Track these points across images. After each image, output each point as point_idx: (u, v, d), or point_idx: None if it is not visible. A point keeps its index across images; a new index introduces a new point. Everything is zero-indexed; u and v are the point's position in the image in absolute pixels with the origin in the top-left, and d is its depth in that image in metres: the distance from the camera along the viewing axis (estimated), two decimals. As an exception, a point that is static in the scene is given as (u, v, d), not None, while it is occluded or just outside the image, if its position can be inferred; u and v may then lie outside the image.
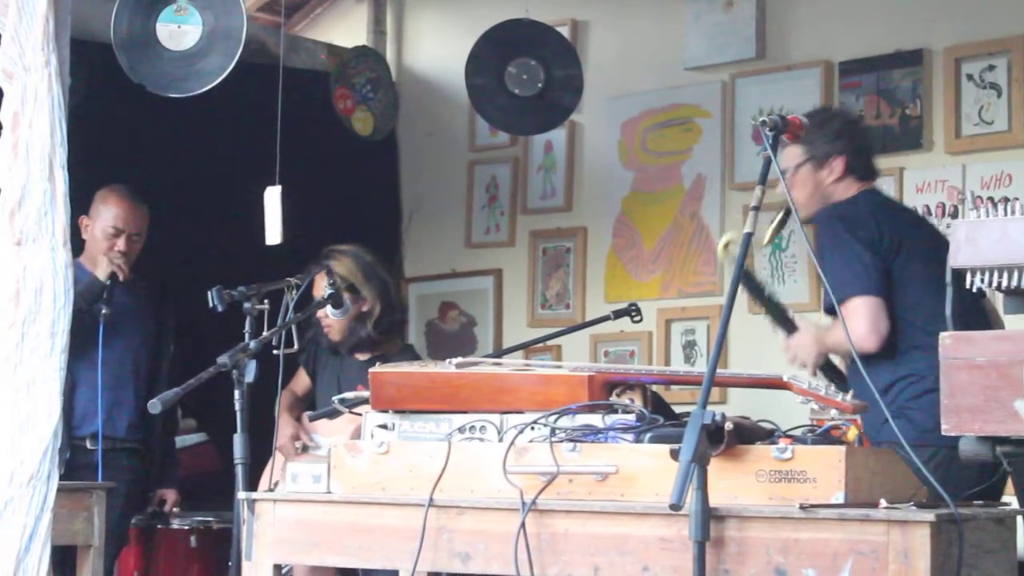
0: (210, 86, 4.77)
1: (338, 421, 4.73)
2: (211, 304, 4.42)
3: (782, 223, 4.39)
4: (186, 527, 5.62)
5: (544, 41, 6.31)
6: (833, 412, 3.27)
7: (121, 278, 5.30)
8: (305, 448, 5.28)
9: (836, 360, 4.33)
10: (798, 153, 4.27)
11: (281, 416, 5.07)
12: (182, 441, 6.22)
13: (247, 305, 4.45)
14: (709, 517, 2.98)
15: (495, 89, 6.23)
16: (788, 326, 4.32)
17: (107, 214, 5.39)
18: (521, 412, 3.52)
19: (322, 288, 4.96)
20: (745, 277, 4.27)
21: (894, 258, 4.05)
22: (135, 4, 5.04)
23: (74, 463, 5.13)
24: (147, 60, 5.12)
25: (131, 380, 5.41)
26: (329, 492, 3.59)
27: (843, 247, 4.04)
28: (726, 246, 4.43)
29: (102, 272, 5.29)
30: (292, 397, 5.41)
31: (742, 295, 5.90)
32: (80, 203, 5.36)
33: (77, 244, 4.84)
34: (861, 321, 3.96)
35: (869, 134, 4.38)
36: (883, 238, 4.06)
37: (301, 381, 5.43)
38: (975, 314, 3.98)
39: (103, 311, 5.23)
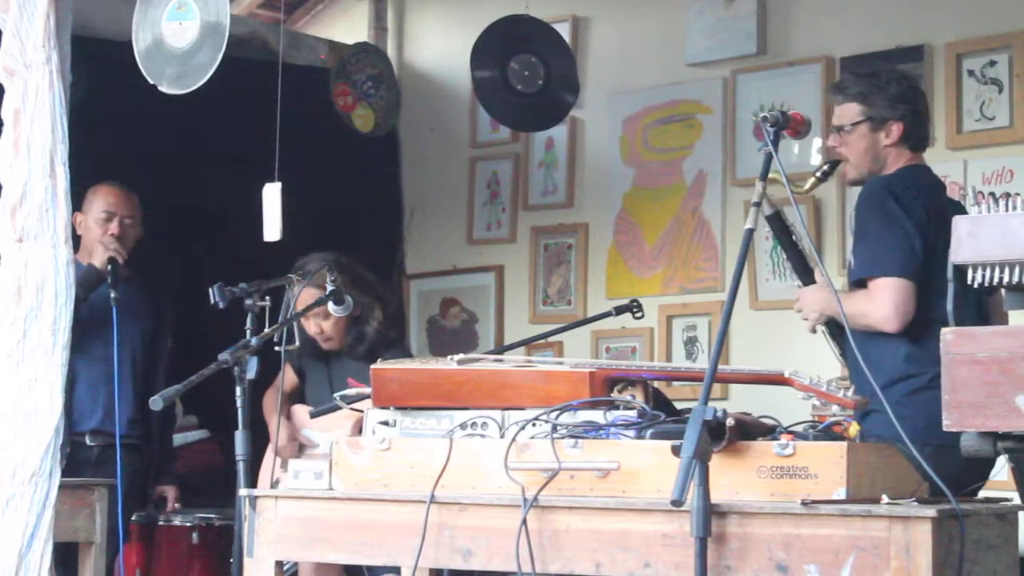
0: (202, 81, 4.76)
1: (336, 417, 4.72)
2: (212, 301, 4.42)
3: (825, 175, 4.31)
4: (188, 524, 5.62)
5: (542, 38, 6.31)
6: (835, 408, 3.27)
7: (120, 261, 5.29)
8: (302, 448, 5.28)
9: None
10: (856, 111, 4.19)
11: (275, 417, 5.07)
12: (184, 438, 6.22)
13: (248, 302, 4.44)
14: (711, 513, 2.98)
15: (498, 84, 6.22)
16: (805, 277, 4.27)
17: (97, 203, 5.40)
18: (522, 408, 3.52)
19: (304, 302, 4.94)
20: (774, 218, 4.21)
21: (936, 243, 3.99)
22: (150, 7, 5.04)
23: (75, 459, 5.13)
24: (160, 60, 5.12)
25: (129, 376, 5.41)
26: (331, 489, 3.59)
27: (891, 222, 3.95)
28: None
29: (98, 259, 5.29)
30: (281, 397, 5.38)
31: (743, 292, 5.93)
32: (82, 200, 5.38)
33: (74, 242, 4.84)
34: (887, 301, 3.90)
35: (925, 100, 4.28)
36: (931, 221, 4.00)
37: (287, 378, 5.42)
38: (979, 311, 3.97)
39: (112, 295, 5.23)
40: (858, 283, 4.02)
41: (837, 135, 4.22)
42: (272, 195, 4.86)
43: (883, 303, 3.90)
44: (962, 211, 4.12)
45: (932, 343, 3.92)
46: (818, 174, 4.30)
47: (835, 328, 4.23)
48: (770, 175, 4.09)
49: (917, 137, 4.20)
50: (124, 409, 5.35)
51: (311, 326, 5.20)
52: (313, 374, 5.38)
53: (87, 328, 5.10)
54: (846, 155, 4.23)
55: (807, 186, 4.35)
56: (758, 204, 3.35)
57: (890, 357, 3.91)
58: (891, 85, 4.18)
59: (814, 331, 4.25)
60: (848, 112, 4.21)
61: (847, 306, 3.93)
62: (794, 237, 4.27)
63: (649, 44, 6.57)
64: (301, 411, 5.27)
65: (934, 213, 4.02)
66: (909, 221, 3.95)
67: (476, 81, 6.25)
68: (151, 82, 4.81)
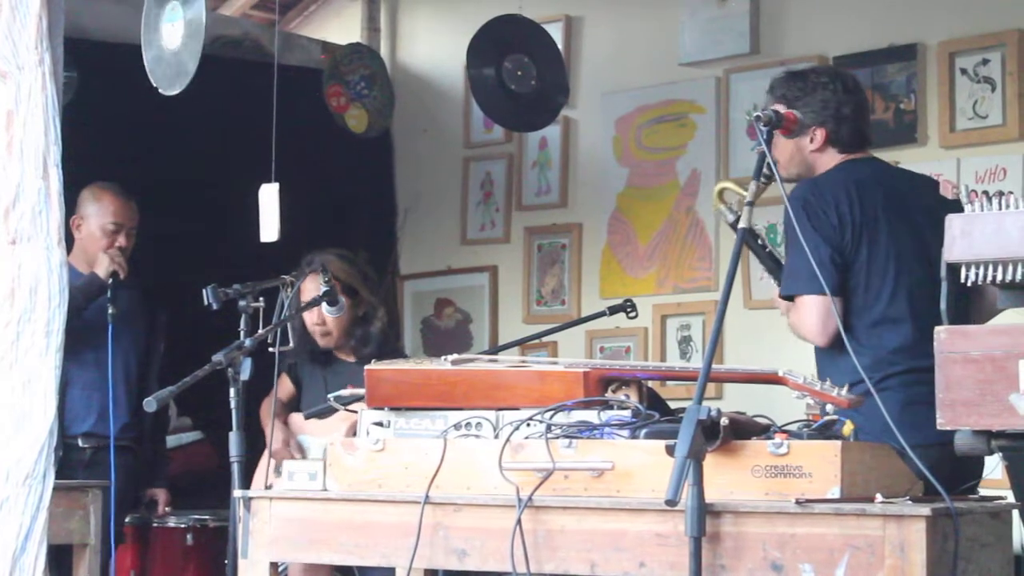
0: (187, 83, 4.75)
1: (331, 421, 4.72)
2: (206, 302, 4.41)
3: (768, 179, 4.24)
4: (182, 525, 5.62)
5: (534, 38, 6.31)
6: (829, 407, 3.27)
7: (122, 276, 5.30)
8: (299, 452, 5.27)
9: None
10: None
11: (270, 421, 5.07)
12: (177, 439, 6.22)
13: (242, 303, 4.44)
14: (705, 513, 2.98)
15: (494, 83, 6.22)
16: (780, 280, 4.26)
17: (105, 211, 5.39)
18: (517, 408, 3.52)
19: (310, 293, 4.95)
20: (747, 233, 4.19)
21: (854, 250, 3.95)
22: (153, 10, 5.03)
23: (66, 462, 5.12)
24: (161, 63, 5.11)
25: (123, 378, 5.40)
26: (325, 490, 3.59)
27: (803, 238, 3.91)
28: (721, 193, 4.34)
29: (102, 270, 5.29)
30: (277, 403, 5.38)
31: (736, 291, 5.93)
32: (75, 202, 5.37)
33: (69, 243, 4.83)
34: (810, 318, 3.86)
35: (859, 100, 4.20)
36: (848, 223, 3.91)
37: (285, 387, 5.41)
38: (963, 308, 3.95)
39: (111, 311, 5.23)
40: (788, 298, 4.00)
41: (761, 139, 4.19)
42: (269, 196, 4.85)
43: (807, 321, 3.86)
44: (916, 198, 4.06)
45: (869, 346, 3.87)
46: (761, 179, 4.21)
47: None
48: (731, 184, 4.11)
49: (844, 139, 4.07)
50: (118, 412, 5.35)
51: (313, 315, 5.17)
52: (310, 382, 5.37)
53: (83, 333, 5.10)
54: (776, 156, 4.16)
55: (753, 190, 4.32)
56: (752, 203, 3.36)
57: (836, 367, 3.87)
58: (817, 91, 4.06)
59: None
60: None
61: (790, 319, 3.93)
62: (760, 241, 4.25)
63: (642, 44, 6.57)
64: (298, 418, 5.27)
65: (856, 212, 3.92)
66: (818, 235, 3.85)
67: (472, 79, 6.24)
68: (160, 90, 4.80)
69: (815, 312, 3.83)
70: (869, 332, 3.82)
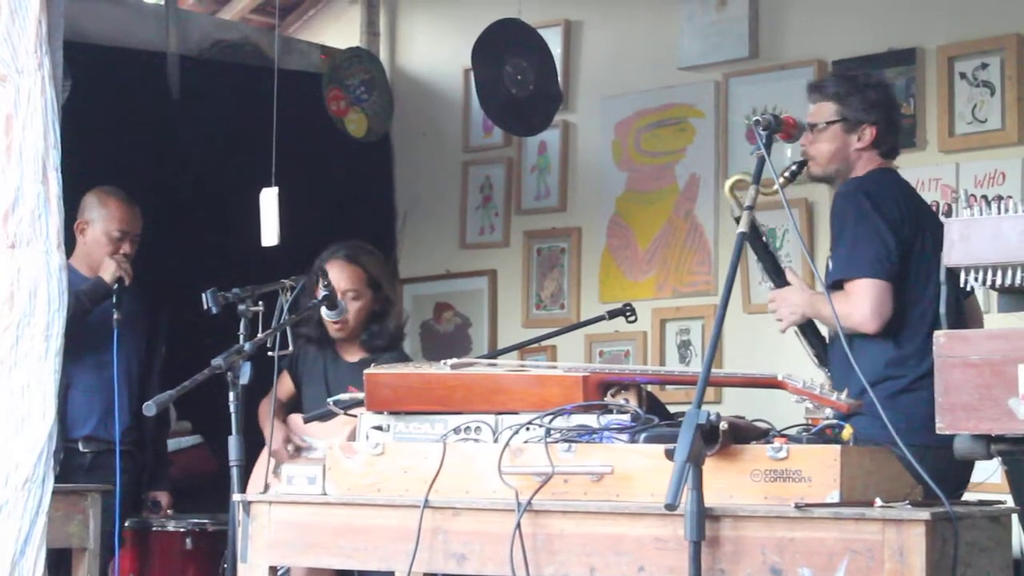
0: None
1: (333, 423, 4.72)
2: (205, 306, 4.41)
3: (793, 175, 4.30)
4: (181, 529, 5.61)
5: (530, 43, 6.31)
6: (828, 411, 3.27)
7: (127, 282, 5.30)
8: (298, 450, 5.27)
9: (822, 328, 4.30)
10: (831, 111, 4.19)
11: (269, 421, 5.07)
12: (177, 443, 6.21)
13: (241, 307, 4.44)
14: (704, 517, 2.98)
15: (497, 85, 6.22)
16: (778, 278, 4.28)
17: (111, 217, 5.38)
18: (516, 413, 3.52)
19: (337, 279, 4.96)
20: (750, 233, 4.22)
21: (913, 243, 4.01)
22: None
23: (67, 466, 5.12)
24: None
25: (124, 382, 5.40)
26: (324, 494, 3.59)
27: (867, 222, 3.96)
28: (732, 188, 4.37)
29: (108, 275, 5.29)
30: (276, 402, 5.38)
31: (736, 295, 5.93)
32: (75, 206, 5.37)
33: (68, 246, 4.84)
34: (866, 302, 3.90)
35: (900, 114, 4.31)
36: (905, 221, 4.01)
37: (284, 386, 5.41)
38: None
39: (115, 316, 5.23)
40: (835, 285, 4.02)
41: (809, 133, 4.23)
42: (269, 200, 4.86)
43: (861, 304, 3.91)
44: (935, 218, 4.15)
45: (910, 345, 3.94)
46: (786, 174, 4.28)
47: (808, 329, 4.25)
48: (745, 175, 4.12)
49: (888, 144, 4.21)
50: (120, 416, 5.35)
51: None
52: (310, 381, 5.37)
53: (85, 338, 5.10)
54: (813, 154, 4.23)
55: (774, 187, 4.34)
56: (751, 207, 3.36)
57: (869, 359, 3.90)
58: (868, 90, 4.19)
59: (784, 331, 4.26)
60: (823, 111, 4.22)
61: (828, 307, 3.94)
62: (764, 239, 4.28)
63: (641, 48, 6.58)
64: (298, 419, 5.27)
65: (908, 214, 4.03)
66: (883, 222, 3.96)
67: (478, 81, 6.24)
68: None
69: (872, 296, 3.87)
70: (917, 324, 3.85)
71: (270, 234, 4.91)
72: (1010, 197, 3.12)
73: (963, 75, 5.71)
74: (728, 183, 4.40)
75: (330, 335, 5.24)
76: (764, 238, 4.32)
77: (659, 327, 6.39)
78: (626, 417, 3.40)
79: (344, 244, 5.22)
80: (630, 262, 6.54)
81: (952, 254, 3.13)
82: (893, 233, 3.96)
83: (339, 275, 5.06)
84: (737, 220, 4.18)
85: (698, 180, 6.36)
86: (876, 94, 4.20)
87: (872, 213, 3.96)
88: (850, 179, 4.15)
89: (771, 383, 3.41)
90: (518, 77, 6.26)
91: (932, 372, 3.70)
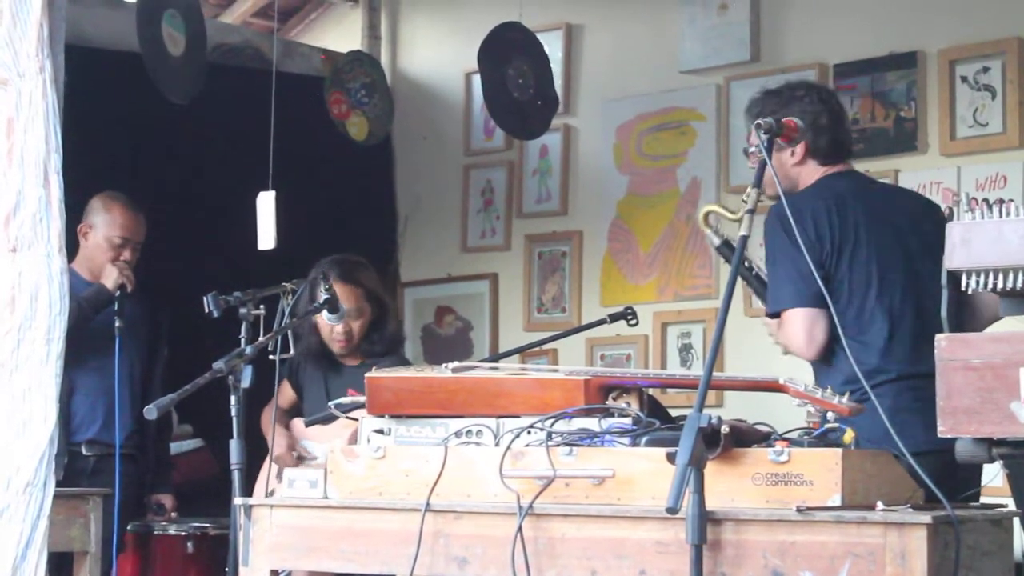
0: (196, 93, 4.75)
1: (334, 427, 4.72)
2: (207, 310, 4.42)
3: (755, 202, 4.23)
4: (183, 533, 5.61)
5: (530, 47, 6.31)
6: (829, 415, 3.27)
7: (130, 289, 5.30)
8: (301, 459, 5.27)
9: None
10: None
11: (271, 428, 5.07)
12: (178, 447, 6.22)
13: (243, 311, 4.44)
14: (706, 520, 2.98)
15: (500, 88, 6.22)
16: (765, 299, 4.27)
17: (114, 223, 5.38)
18: (517, 416, 3.51)
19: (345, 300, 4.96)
20: (725, 247, 4.20)
21: (840, 255, 3.97)
22: (148, 12, 5.03)
23: (71, 469, 5.12)
24: (161, 67, 5.10)
25: (127, 386, 5.41)
26: (326, 497, 3.59)
27: (781, 251, 3.90)
28: (706, 217, 4.34)
29: (110, 282, 5.29)
30: (278, 410, 5.38)
31: (737, 298, 5.93)
32: (76, 209, 5.37)
33: (70, 250, 4.84)
34: (798, 332, 3.87)
35: (834, 108, 4.19)
36: (825, 236, 3.91)
37: (285, 394, 5.41)
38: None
39: (117, 324, 5.24)
40: (775, 316, 4.01)
41: (747, 156, 4.21)
42: (266, 204, 4.86)
43: (794, 335, 3.88)
44: (888, 217, 4.05)
45: (854, 358, 3.86)
46: (748, 205, 4.18)
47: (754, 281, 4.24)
48: (717, 207, 4.12)
49: (822, 152, 4.07)
50: (123, 420, 5.35)
51: (338, 326, 5.16)
52: (311, 388, 5.37)
53: (88, 342, 5.10)
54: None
55: (740, 213, 4.28)
56: (752, 211, 3.35)
57: (826, 379, 3.86)
58: (792, 104, 4.06)
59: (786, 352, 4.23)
60: (753, 136, 4.15)
61: (779, 337, 3.94)
62: (747, 263, 4.24)
63: (642, 51, 6.58)
64: (300, 424, 5.27)
65: (832, 226, 3.90)
66: (795, 248, 3.81)
67: (484, 82, 6.23)
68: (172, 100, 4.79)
69: (800, 325, 3.85)
70: (852, 344, 3.79)
71: (267, 238, 4.91)
72: (1011, 200, 3.12)
73: (964, 78, 5.71)
74: (700, 214, 4.34)
75: (331, 350, 5.25)
76: (747, 262, 4.25)
77: (660, 331, 6.39)
78: (627, 421, 3.40)
79: (336, 262, 5.19)
80: (631, 266, 6.54)
81: (953, 257, 3.12)
82: (811, 254, 3.74)
83: (338, 296, 5.03)
84: (718, 250, 4.20)
85: (699, 183, 6.36)
86: (800, 105, 4.06)
87: (784, 240, 3.85)
88: (773, 204, 4.02)
89: (772, 387, 3.40)
90: (519, 80, 6.26)
91: (899, 377, 3.73)
